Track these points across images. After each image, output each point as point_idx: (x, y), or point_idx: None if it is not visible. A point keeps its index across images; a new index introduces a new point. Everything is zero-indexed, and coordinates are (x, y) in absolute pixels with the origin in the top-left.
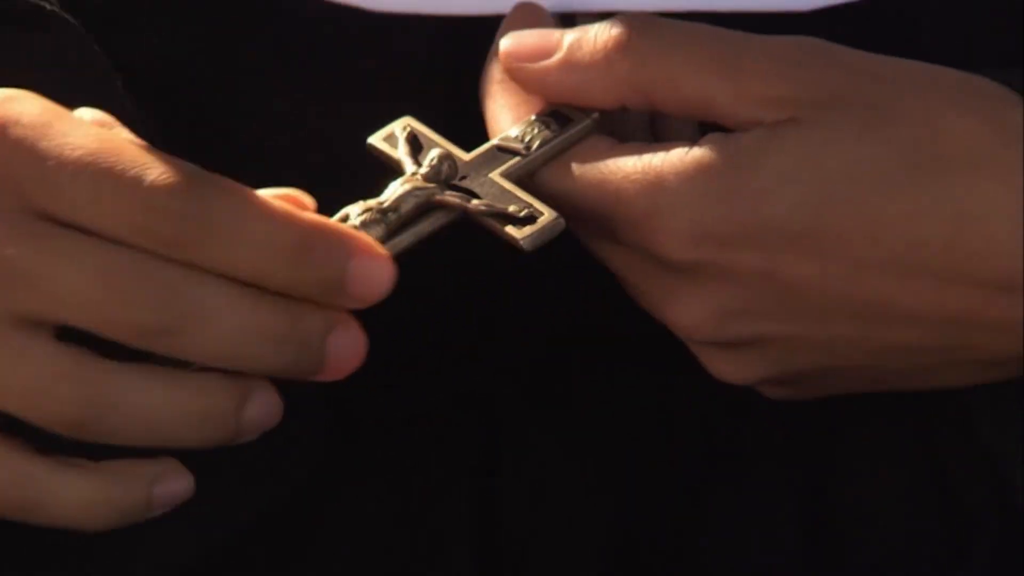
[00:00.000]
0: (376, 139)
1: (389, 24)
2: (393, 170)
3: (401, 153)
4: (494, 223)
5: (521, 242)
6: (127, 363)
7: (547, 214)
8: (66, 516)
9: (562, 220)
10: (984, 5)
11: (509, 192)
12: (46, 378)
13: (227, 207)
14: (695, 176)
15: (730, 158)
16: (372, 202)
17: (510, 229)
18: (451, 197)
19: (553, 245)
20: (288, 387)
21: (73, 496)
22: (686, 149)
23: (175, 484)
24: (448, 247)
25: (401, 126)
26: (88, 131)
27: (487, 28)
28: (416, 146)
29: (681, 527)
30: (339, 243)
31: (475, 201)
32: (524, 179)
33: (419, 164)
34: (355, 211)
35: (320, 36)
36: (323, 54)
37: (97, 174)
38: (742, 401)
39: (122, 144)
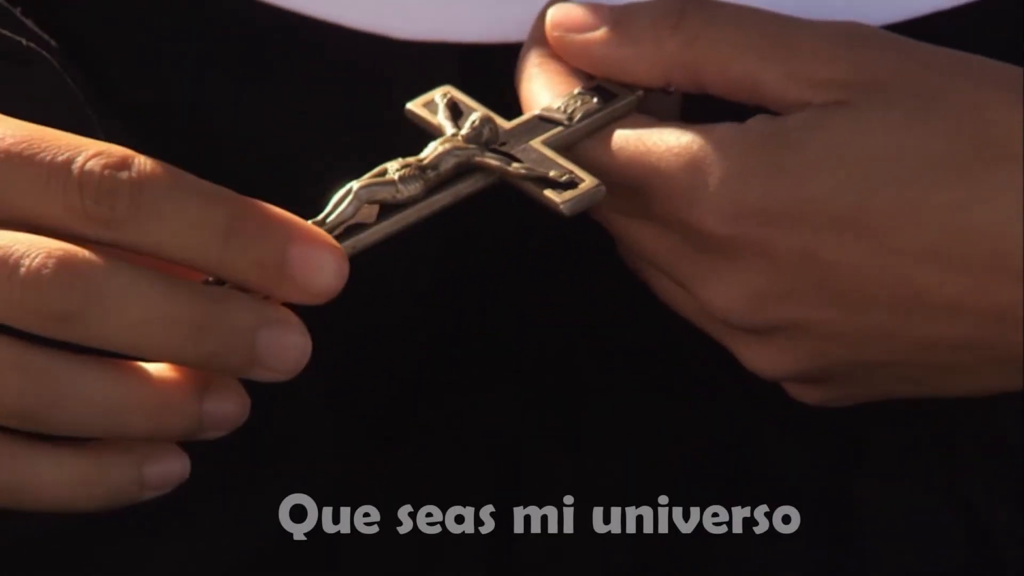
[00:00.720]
0: (415, 105)
1: (414, 51)
2: (431, 135)
3: (441, 118)
4: (533, 187)
5: (561, 206)
6: (77, 353)
7: (588, 180)
8: (54, 498)
9: (603, 187)
10: (1004, 35)
11: (549, 159)
12: None
13: (158, 184)
14: (739, 151)
15: (776, 136)
16: (411, 159)
17: (549, 193)
18: (491, 159)
19: (570, 255)
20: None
21: (61, 476)
22: (731, 126)
23: (168, 464)
24: (461, 256)
25: (441, 92)
26: (17, 123)
27: (512, 56)
28: (456, 112)
29: (698, 555)
30: (277, 224)
31: (515, 164)
32: (564, 149)
33: (459, 128)
34: (393, 167)
35: (343, 63)
36: (346, 81)
37: (26, 160)
38: (762, 430)
39: (53, 133)
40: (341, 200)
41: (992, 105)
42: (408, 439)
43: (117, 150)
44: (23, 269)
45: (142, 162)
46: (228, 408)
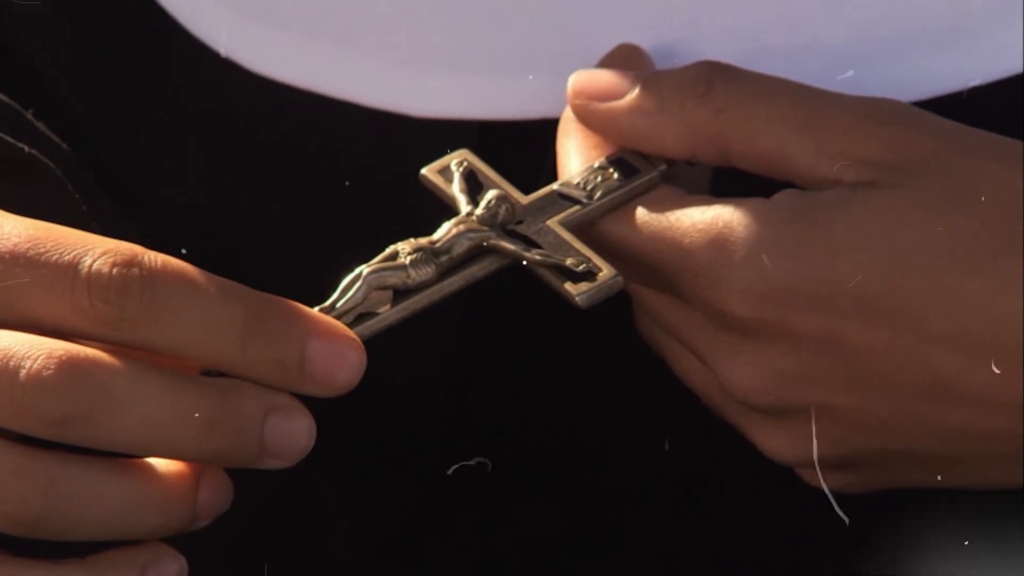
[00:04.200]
0: (430, 171)
1: (433, 129)
2: (446, 205)
3: (456, 190)
4: (549, 275)
5: (576, 298)
6: (81, 455)
7: (605, 271)
8: None
9: (620, 278)
10: None
11: (567, 243)
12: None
13: (170, 282)
14: (766, 229)
15: (804, 213)
16: (423, 241)
17: (567, 285)
18: (507, 243)
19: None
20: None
21: None
22: (758, 201)
23: (167, 568)
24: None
25: (457, 160)
26: (25, 222)
27: (531, 132)
28: (472, 182)
29: None
30: (295, 321)
31: (532, 250)
32: (583, 228)
33: (475, 203)
34: (405, 249)
35: (360, 143)
36: (362, 161)
37: (31, 261)
38: (801, 534)
39: (60, 231)
40: (350, 285)
41: None
42: (431, 547)
43: (126, 247)
44: (23, 372)
45: (152, 259)
46: (219, 497)
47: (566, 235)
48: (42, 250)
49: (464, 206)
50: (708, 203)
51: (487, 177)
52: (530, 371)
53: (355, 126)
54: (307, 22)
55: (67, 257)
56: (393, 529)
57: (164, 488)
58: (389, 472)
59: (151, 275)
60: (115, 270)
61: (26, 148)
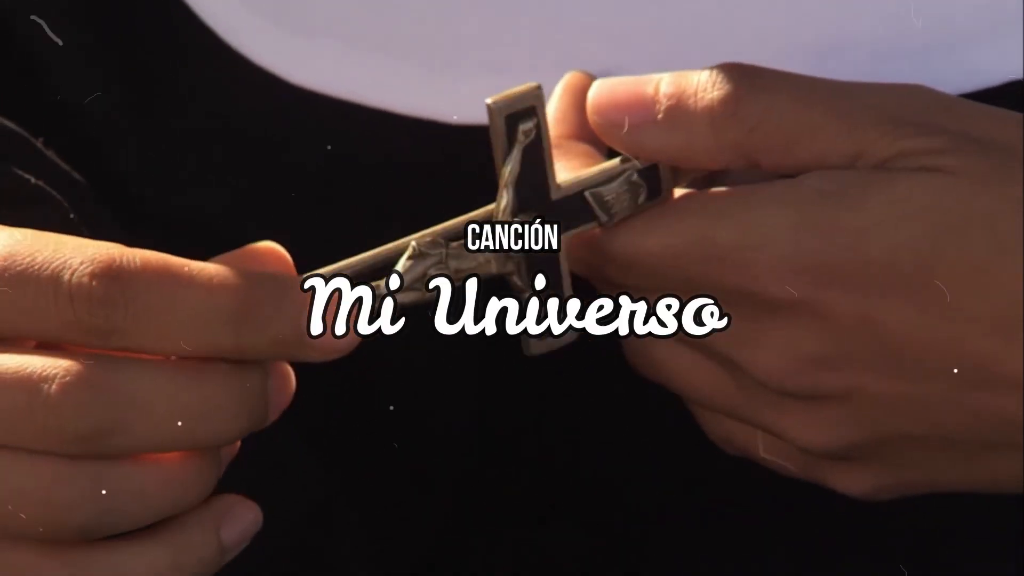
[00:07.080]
0: (499, 109)
1: (468, 136)
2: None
3: (508, 167)
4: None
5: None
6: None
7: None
8: None
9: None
10: None
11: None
12: (43, 487)
13: (152, 282)
14: (794, 209)
15: (836, 191)
16: (440, 248)
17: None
18: (518, 280)
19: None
20: None
21: (142, 569)
22: (783, 182)
23: (241, 519)
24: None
25: (525, 127)
26: (3, 234)
27: None
28: (533, 151)
29: None
30: (287, 296)
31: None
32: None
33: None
34: (425, 248)
35: (397, 150)
36: (393, 172)
37: (10, 280)
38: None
39: (35, 243)
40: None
41: None
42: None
43: (103, 254)
44: (44, 392)
45: (131, 261)
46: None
47: (564, 269)
48: (20, 267)
49: (504, 200)
50: (728, 191)
51: (539, 158)
52: (554, 395)
53: (389, 134)
54: (340, 30)
55: (46, 273)
56: (414, 556)
57: (194, 473)
58: (410, 500)
59: (132, 280)
60: (95, 282)
61: (32, 179)
